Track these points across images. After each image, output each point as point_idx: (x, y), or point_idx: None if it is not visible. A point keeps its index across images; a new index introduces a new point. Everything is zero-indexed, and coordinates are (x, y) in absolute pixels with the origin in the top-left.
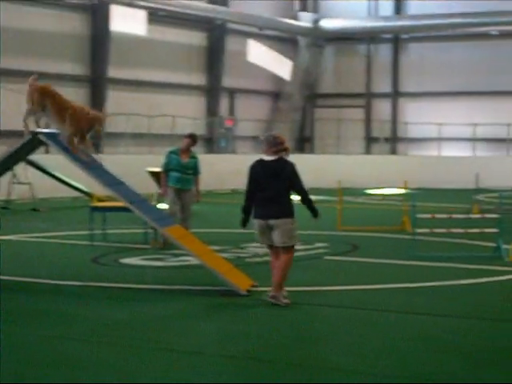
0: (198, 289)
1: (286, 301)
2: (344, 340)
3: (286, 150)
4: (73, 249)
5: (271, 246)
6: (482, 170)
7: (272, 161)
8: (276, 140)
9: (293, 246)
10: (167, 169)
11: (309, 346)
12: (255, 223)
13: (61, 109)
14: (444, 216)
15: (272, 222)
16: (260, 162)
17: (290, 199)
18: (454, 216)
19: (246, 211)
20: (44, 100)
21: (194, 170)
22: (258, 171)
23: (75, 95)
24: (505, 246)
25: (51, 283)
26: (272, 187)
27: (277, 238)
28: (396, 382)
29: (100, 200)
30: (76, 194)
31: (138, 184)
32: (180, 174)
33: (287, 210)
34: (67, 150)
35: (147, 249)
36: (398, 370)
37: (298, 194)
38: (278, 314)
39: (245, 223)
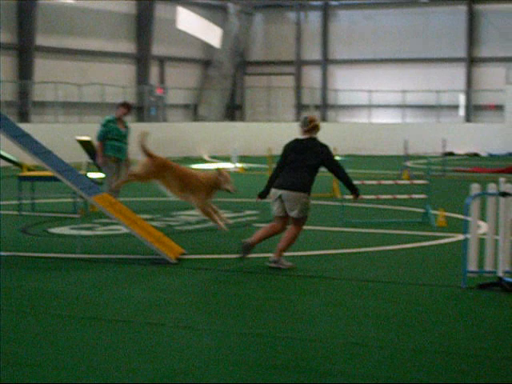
0: (127, 257)
1: (289, 263)
2: (273, 306)
3: (314, 127)
4: (1, 219)
5: (279, 217)
6: (412, 137)
7: (304, 139)
8: (306, 120)
9: (303, 220)
10: (105, 138)
11: (237, 312)
12: (271, 192)
13: (182, 180)
14: (373, 182)
15: (284, 193)
16: (295, 141)
17: (310, 176)
18: (383, 182)
19: (268, 184)
20: (161, 173)
21: (127, 139)
22: (290, 148)
23: (2, 64)
24: (433, 212)
25: None
26: (296, 162)
27: (289, 210)
28: (320, 346)
29: (30, 169)
30: (4, 163)
31: (67, 153)
32: (119, 143)
33: (302, 185)
34: None
35: (76, 218)
36: (322, 334)
37: (337, 174)
38: (207, 281)
39: (263, 195)
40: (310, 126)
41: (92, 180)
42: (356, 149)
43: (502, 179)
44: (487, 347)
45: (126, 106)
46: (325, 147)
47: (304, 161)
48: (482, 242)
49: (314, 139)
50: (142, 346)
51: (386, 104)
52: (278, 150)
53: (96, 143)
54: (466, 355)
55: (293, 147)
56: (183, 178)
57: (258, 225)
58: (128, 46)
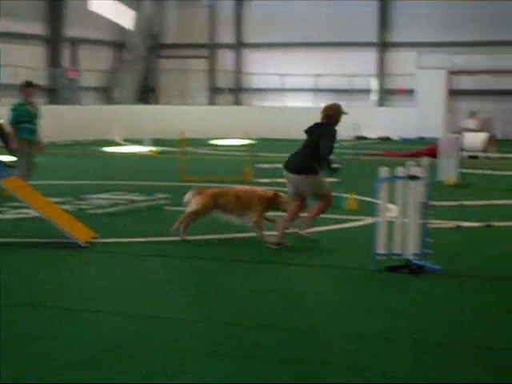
0: (37, 241)
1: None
2: (182, 290)
3: (326, 116)
4: None
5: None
6: None
7: (318, 123)
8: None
9: (324, 197)
10: (18, 121)
11: (145, 296)
12: None
13: (240, 200)
14: None
15: (287, 174)
16: (313, 124)
17: (312, 157)
18: None
19: None
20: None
21: (37, 119)
22: (307, 132)
23: None
24: (344, 195)
25: None
26: (304, 144)
27: (298, 188)
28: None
29: None
30: None
31: None
32: (31, 124)
33: (302, 167)
34: None
35: None
36: (230, 317)
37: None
38: (118, 265)
39: None
40: (324, 113)
41: (3, 163)
42: (269, 132)
43: (410, 162)
44: (396, 330)
45: (29, 85)
46: (330, 127)
47: (309, 142)
48: (391, 224)
49: (327, 124)
50: (55, 330)
51: (298, 88)
52: (191, 133)
53: (8, 128)
54: (378, 337)
55: (307, 130)
56: (241, 198)
57: (169, 208)
58: (39, 28)
